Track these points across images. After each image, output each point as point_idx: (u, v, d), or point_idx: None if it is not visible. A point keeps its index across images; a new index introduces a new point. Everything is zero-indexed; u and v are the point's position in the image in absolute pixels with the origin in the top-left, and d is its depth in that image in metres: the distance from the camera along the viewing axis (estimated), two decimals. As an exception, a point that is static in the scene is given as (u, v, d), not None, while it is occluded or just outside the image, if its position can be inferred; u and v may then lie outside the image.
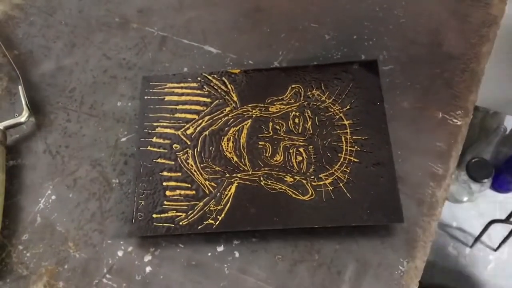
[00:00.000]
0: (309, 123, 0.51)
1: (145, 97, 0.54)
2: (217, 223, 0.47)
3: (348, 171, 0.49)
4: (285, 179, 0.49)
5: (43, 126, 0.55)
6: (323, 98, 0.52)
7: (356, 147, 0.50)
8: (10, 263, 0.49)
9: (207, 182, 0.49)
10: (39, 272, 0.48)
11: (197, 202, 0.48)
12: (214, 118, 0.52)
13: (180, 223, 0.48)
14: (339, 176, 0.48)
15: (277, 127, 0.51)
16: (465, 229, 1.39)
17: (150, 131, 0.52)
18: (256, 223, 0.47)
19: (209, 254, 0.48)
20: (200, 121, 0.52)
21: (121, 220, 0.50)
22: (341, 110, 0.51)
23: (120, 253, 0.49)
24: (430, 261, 1.31)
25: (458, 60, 0.56)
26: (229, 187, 0.49)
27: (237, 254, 0.48)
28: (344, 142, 0.50)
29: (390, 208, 0.47)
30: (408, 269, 0.47)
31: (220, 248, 0.49)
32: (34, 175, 0.53)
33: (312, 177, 0.49)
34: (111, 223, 0.50)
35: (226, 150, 0.51)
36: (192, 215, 0.48)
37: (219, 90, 0.53)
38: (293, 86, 0.53)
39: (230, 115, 0.52)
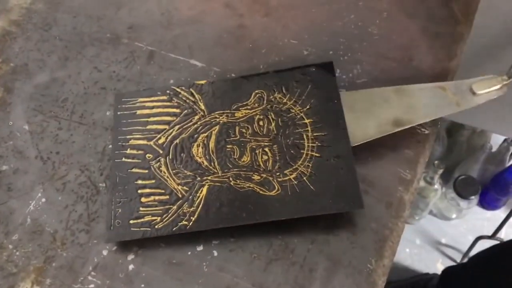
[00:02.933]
0: (273, 125, 0.55)
1: (118, 113, 0.57)
2: (190, 224, 0.50)
3: (310, 165, 0.52)
4: (252, 177, 0.52)
5: (35, 133, 0.58)
6: (285, 101, 0.56)
7: (316, 142, 0.53)
8: (0, 261, 0.51)
9: (179, 187, 0.52)
10: (28, 270, 0.51)
11: (171, 206, 0.51)
12: (184, 127, 0.55)
13: (156, 227, 0.50)
14: (302, 170, 0.52)
15: (243, 130, 0.54)
16: (453, 246, 1.42)
17: (124, 143, 0.55)
18: (228, 220, 0.50)
19: (189, 253, 0.51)
20: (171, 130, 0.55)
21: (107, 221, 0.53)
22: (301, 110, 0.55)
23: (105, 252, 0.51)
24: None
25: (426, 74, 0.60)
26: (201, 189, 0.52)
27: (215, 253, 0.51)
28: (305, 139, 0.53)
29: (351, 196, 0.50)
30: (376, 267, 0.49)
31: (199, 248, 0.51)
32: (26, 179, 0.56)
33: (278, 173, 0.52)
34: (97, 224, 0.53)
35: (197, 156, 0.54)
36: (166, 218, 0.51)
37: (187, 101, 0.57)
38: (256, 91, 0.57)
39: (198, 122, 0.55)
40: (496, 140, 1.41)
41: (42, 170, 0.56)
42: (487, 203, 1.45)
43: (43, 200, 0.54)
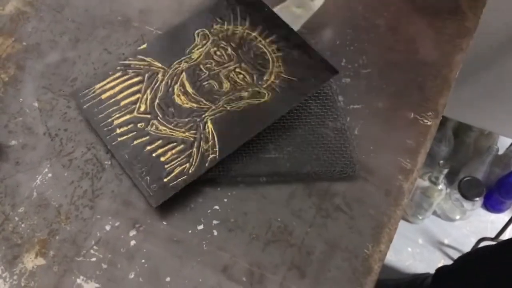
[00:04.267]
0: (229, 49, 0.60)
1: (84, 107, 0.58)
2: (217, 154, 0.53)
3: (280, 63, 0.58)
4: (242, 96, 0.57)
5: (44, 110, 0.59)
6: (225, 27, 0.61)
7: (273, 45, 0.59)
8: (6, 232, 0.53)
9: (186, 133, 0.55)
10: (32, 242, 0.52)
11: (191, 150, 0.54)
12: (155, 87, 0.58)
13: (190, 171, 0.53)
14: (276, 70, 0.58)
15: (208, 65, 0.59)
16: (456, 247, 1.42)
17: (109, 127, 0.56)
18: (245, 135, 0.54)
19: (190, 231, 0.52)
20: (145, 95, 0.58)
21: (110, 198, 0.54)
22: (244, 28, 0.61)
23: (107, 228, 0.53)
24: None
25: (431, 66, 0.60)
26: (206, 125, 0.55)
27: (215, 233, 0.52)
28: (263, 47, 0.59)
29: (325, 68, 0.56)
30: (373, 252, 0.50)
31: (200, 227, 0.52)
32: (34, 154, 0.57)
33: (260, 82, 0.57)
34: (101, 200, 0.54)
35: (183, 103, 0.57)
36: (194, 160, 0.53)
37: (142, 66, 0.60)
38: (197, 31, 0.61)
39: (165, 77, 0.59)
40: (503, 143, 1.41)
41: (49, 147, 0.57)
42: (491, 205, 1.45)
43: (50, 175, 0.56)
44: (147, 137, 0.55)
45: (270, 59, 0.58)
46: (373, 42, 0.63)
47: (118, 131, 0.56)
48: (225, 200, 0.54)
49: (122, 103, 0.57)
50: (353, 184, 0.54)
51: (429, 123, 0.57)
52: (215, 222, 0.53)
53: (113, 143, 0.55)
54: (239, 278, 0.50)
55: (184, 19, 0.63)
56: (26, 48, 0.64)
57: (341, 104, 0.58)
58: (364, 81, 0.60)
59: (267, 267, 0.50)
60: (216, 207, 0.53)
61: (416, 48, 0.62)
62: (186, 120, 0.56)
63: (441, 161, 1.24)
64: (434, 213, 1.44)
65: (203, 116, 0.56)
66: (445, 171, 1.24)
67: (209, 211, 0.53)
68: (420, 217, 1.42)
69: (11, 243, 0.52)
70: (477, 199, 1.34)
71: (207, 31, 0.61)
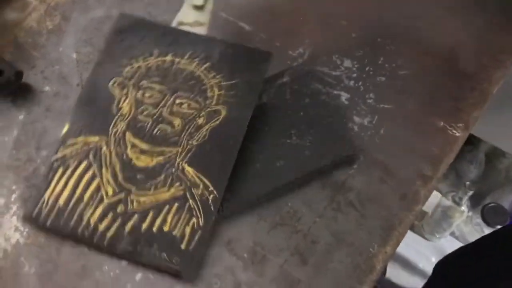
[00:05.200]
0: (155, 86, 0.54)
1: (48, 226, 0.50)
2: (216, 191, 0.50)
3: (213, 74, 0.55)
4: (199, 123, 0.52)
5: (81, 62, 0.61)
6: (136, 65, 0.56)
7: (194, 61, 0.56)
8: (27, 172, 0.55)
9: (172, 189, 0.50)
10: (49, 185, 0.54)
11: (187, 203, 0.50)
12: (108, 163, 0.51)
13: (201, 224, 0.49)
14: (214, 82, 0.54)
15: (145, 112, 0.53)
16: (468, 271, 1.39)
17: (89, 229, 0.49)
18: (228, 159, 0.50)
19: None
20: (104, 177, 0.51)
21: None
22: (155, 58, 0.56)
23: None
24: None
25: (470, 78, 0.59)
26: (185, 171, 0.50)
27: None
28: (185, 67, 0.55)
29: (254, 53, 0.55)
30: (378, 252, 0.50)
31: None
32: (64, 103, 0.59)
33: (207, 101, 0.53)
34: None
35: (148, 163, 0.51)
36: (197, 212, 0.49)
37: (78, 149, 0.52)
38: (110, 84, 0.55)
39: (111, 147, 0.52)
40: (536, 174, 1.37)
41: (80, 98, 0.59)
42: (512, 236, 1.41)
43: (76, 125, 0.57)
44: (135, 216, 0.49)
45: (201, 75, 0.54)
46: (413, 44, 0.62)
47: (101, 227, 0.49)
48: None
49: (86, 197, 0.50)
50: (370, 182, 0.53)
51: (457, 134, 0.56)
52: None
53: (105, 243, 0.49)
54: (241, 254, 0.50)
55: (88, 76, 0.56)
56: (74, 0, 0.66)
57: (371, 102, 0.58)
58: (399, 82, 0.59)
59: (271, 249, 0.50)
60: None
61: (457, 57, 0.61)
62: (162, 177, 0.50)
63: (468, 183, 1.22)
64: (452, 234, 1.41)
65: (176, 163, 0.50)
66: (471, 193, 1.22)
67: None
68: (438, 236, 1.39)
69: (30, 183, 0.54)
70: (499, 227, 1.31)
71: (120, 79, 0.54)
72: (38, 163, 0.55)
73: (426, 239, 1.41)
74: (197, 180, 0.50)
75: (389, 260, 0.50)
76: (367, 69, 0.60)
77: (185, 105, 0.53)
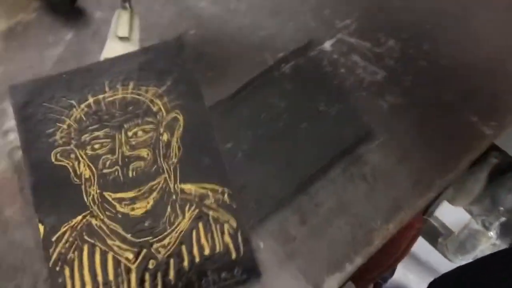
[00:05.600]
0: (98, 133, 0.49)
1: None
2: (227, 193, 0.49)
3: (145, 88, 0.51)
4: (165, 140, 0.49)
5: None
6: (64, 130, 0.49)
7: (115, 86, 0.51)
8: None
9: (187, 215, 0.48)
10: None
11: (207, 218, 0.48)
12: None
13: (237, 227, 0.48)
14: (151, 93, 0.50)
15: (106, 161, 0.48)
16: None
17: None
18: (214, 162, 0.49)
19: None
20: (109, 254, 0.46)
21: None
22: (77, 110, 0.50)
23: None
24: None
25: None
26: (179, 190, 0.48)
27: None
28: (110, 98, 0.50)
29: (163, 50, 0.52)
30: (379, 228, 0.49)
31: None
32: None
33: (158, 116, 0.50)
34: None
35: (139, 209, 0.47)
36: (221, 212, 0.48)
37: (63, 250, 0.46)
38: (54, 153, 0.48)
39: (99, 222, 0.47)
40: None
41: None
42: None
43: (117, 52, 0.59)
44: (171, 260, 0.45)
45: (133, 96, 0.50)
46: (462, 37, 0.60)
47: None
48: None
49: (111, 277, 0.45)
50: (387, 161, 0.53)
51: (487, 132, 0.54)
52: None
53: None
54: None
55: (24, 166, 0.48)
56: None
57: (407, 84, 0.57)
58: (439, 72, 0.58)
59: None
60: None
61: (503, 59, 0.59)
62: (169, 210, 0.47)
63: (502, 208, 1.17)
64: (475, 257, 1.37)
65: (172, 190, 0.47)
66: (503, 219, 1.18)
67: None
68: (460, 258, 1.35)
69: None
70: (525, 261, 1.25)
71: (59, 149, 0.48)
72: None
73: (448, 259, 1.37)
74: (202, 190, 0.48)
75: (387, 236, 0.49)
76: (410, 51, 0.59)
77: (140, 133, 0.49)
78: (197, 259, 0.45)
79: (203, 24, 0.60)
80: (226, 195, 0.48)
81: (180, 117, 0.50)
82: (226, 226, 0.47)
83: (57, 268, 0.44)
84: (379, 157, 0.53)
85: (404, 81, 0.57)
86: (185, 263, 0.45)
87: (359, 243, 0.49)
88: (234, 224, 0.47)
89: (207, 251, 0.46)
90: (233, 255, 0.46)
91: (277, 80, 0.56)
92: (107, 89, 0.50)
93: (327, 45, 0.59)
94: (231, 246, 0.46)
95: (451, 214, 1.32)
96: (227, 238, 0.46)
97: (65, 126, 0.49)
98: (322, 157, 0.52)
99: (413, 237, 0.83)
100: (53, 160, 0.47)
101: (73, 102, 0.50)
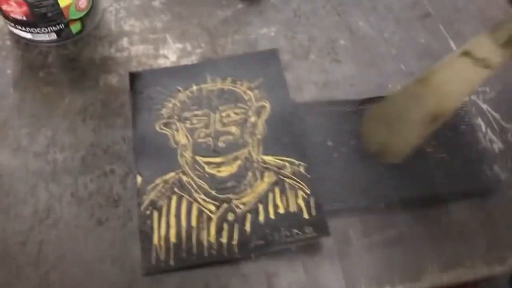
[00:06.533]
0: (196, 112, 0.58)
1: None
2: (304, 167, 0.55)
3: (237, 82, 0.61)
4: (253, 121, 0.58)
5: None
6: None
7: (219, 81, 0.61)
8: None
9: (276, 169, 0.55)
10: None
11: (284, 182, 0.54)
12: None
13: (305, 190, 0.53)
14: (246, 85, 0.61)
15: (202, 133, 0.57)
16: None
17: None
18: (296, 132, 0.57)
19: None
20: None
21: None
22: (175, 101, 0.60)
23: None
24: None
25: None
26: (259, 161, 0.55)
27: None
28: (212, 87, 0.61)
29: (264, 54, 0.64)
30: (433, 272, 0.49)
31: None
32: None
33: (249, 103, 0.59)
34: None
35: (226, 169, 0.54)
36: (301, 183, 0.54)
37: (162, 191, 0.54)
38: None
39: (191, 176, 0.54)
40: None
41: None
42: None
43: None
44: (248, 215, 0.51)
45: (229, 87, 0.60)
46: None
47: (224, 240, 0.50)
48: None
49: (193, 224, 0.51)
50: (470, 219, 0.53)
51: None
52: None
53: (235, 251, 0.49)
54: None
55: (132, 131, 0.57)
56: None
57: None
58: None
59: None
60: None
61: None
62: (250, 175, 0.54)
63: None
64: None
65: (255, 159, 0.55)
66: None
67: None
68: None
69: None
70: None
71: (163, 120, 0.58)
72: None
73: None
74: (281, 162, 0.54)
75: (436, 284, 0.49)
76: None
77: (232, 114, 0.58)
78: (271, 216, 0.51)
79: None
80: (302, 168, 0.54)
81: (268, 105, 0.59)
82: (300, 192, 0.52)
83: (147, 212, 0.51)
84: (465, 214, 0.53)
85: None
86: (261, 218, 0.51)
87: (406, 276, 0.49)
88: (308, 191, 0.52)
89: (281, 210, 0.51)
90: (306, 216, 0.51)
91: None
92: (208, 81, 0.61)
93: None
94: (304, 208, 0.51)
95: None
96: (301, 202, 0.52)
97: (170, 105, 0.59)
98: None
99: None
100: (157, 128, 0.57)
101: (179, 88, 0.60)
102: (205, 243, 0.49)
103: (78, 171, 0.55)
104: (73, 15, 0.63)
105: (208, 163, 0.54)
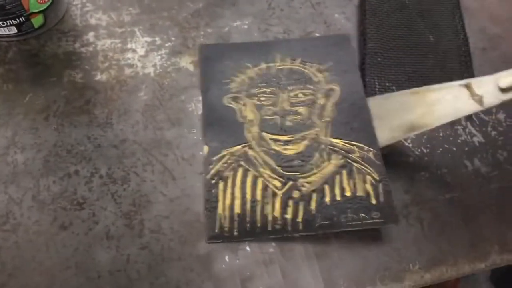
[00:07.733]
0: (266, 90, 0.58)
1: None
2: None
3: (307, 63, 0.61)
4: (321, 103, 0.57)
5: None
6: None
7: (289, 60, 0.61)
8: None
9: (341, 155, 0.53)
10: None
11: (351, 166, 0.53)
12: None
13: (374, 175, 0.52)
14: (315, 68, 0.60)
15: (270, 111, 0.57)
16: None
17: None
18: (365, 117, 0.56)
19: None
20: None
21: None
22: (248, 73, 0.60)
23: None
24: None
25: None
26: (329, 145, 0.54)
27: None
28: (289, 66, 0.61)
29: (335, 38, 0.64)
30: (415, 272, 0.48)
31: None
32: None
33: (317, 84, 0.59)
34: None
35: (293, 147, 0.54)
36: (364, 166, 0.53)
37: (228, 162, 0.53)
38: (229, 97, 0.58)
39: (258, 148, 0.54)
40: None
41: None
42: None
43: None
44: (314, 194, 0.50)
45: (299, 67, 0.60)
46: None
47: (288, 216, 0.49)
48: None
49: (258, 197, 0.50)
50: (451, 214, 0.51)
51: None
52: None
53: (300, 228, 0.49)
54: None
55: (201, 102, 0.58)
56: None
57: (500, 158, 0.55)
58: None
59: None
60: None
61: None
62: (317, 155, 0.53)
63: None
64: None
65: (322, 140, 0.54)
66: None
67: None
68: None
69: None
70: None
71: (231, 94, 0.58)
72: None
73: None
74: (350, 146, 0.53)
75: (419, 283, 0.47)
76: (516, 130, 0.57)
77: (300, 95, 0.57)
78: (338, 198, 0.50)
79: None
80: (371, 153, 0.52)
81: (337, 89, 0.58)
82: (368, 177, 0.51)
83: (213, 181, 0.51)
84: (445, 209, 0.51)
85: (498, 154, 0.55)
86: (327, 199, 0.50)
87: (388, 275, 0.47)
88: (377, 177, 0.51)
89: (348, 193, 0.50)
90: (373, 201, 0.49)
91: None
92: (278, 60, 0.61)
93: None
94: (371, 193, 0.50)
95: None
96: (369, 186, 0.50)
97: (239, 80, 0.59)
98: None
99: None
100: (224, 102, 0.57)
101: (249, 64, 0.60)
102: (270, 217, 0.49)
103: (40, 172, 0.51)
104: (34, 7, 0.59)
105: (275, 140, 0.54)
